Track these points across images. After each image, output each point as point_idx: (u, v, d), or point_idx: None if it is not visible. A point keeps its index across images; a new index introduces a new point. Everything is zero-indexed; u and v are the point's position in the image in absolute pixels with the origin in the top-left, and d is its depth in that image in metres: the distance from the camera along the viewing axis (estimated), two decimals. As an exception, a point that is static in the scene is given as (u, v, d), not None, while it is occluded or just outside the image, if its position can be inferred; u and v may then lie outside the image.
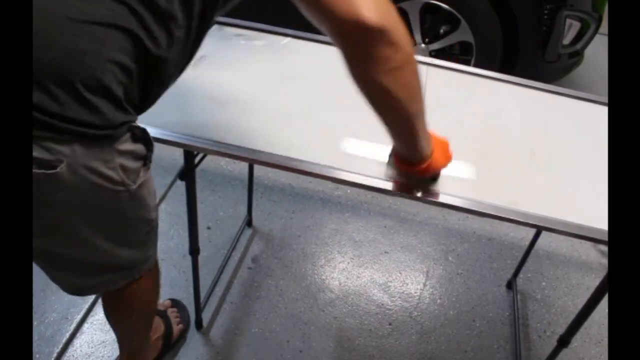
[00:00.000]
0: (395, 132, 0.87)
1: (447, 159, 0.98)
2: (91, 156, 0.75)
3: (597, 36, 2.44)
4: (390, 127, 0.85)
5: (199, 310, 1.51)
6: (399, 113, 0.81)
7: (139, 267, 1.03)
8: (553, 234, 0.97)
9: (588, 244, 1.98)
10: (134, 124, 0.82)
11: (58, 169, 0.72)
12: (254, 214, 1.93)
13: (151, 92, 0.84)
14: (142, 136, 0.85)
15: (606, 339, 1.67)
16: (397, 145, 0.93)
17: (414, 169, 0.94)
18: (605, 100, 1.32)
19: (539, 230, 1.57)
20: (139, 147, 0.85)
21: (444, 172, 1.03)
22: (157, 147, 2.13)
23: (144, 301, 1.15)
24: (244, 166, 2.11)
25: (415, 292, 1.75)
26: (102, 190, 0.80)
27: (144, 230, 0.97)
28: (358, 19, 0.68)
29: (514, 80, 1.35)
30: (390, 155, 1.00)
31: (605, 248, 1.97)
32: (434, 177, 0.99)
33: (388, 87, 0.75)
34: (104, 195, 0.81)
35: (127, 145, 0.81)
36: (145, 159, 0.87)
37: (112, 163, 0.79)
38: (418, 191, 0.96)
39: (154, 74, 0.81)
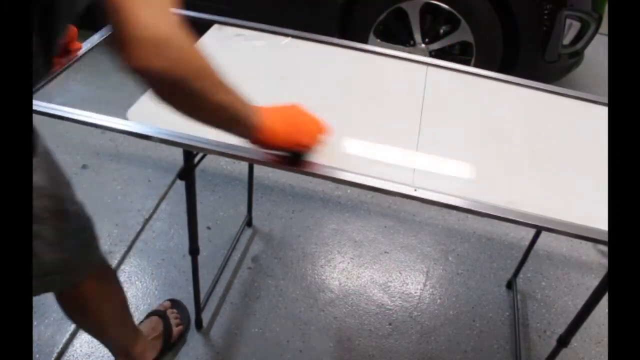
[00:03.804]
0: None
1: (298, 129, 0.92)
2: None
3: (597, 36, 2.44)
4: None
5: (199, 310, 1.51)
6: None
7: (74, 273, 1.00)
8: (553, 234, 0.97)
9: (588, 244, 1.98)
10: None
11: None
12: (254, 214, 1.93)
13: None
14: None
15: (606, 339, 1.67)
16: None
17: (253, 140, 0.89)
18: (605, 100, 1.32)
19: (539, 230, 1.57)
20: None
21: (444, 171, 1.03)
22: (157, 147, 2.11)
23: (93, 305, 1.12)
24: (244, 166, 2.11)
25: (415, 292, 1.75)
26: None
27: (59, 225, 0.91)
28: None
29: (514, 80, 1.35)
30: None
31: (605, 248, 1.97)
32: (298, 153, 0.97)
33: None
34: None
35: None
36: None
37: None
38: (417, 190, 0.96)
39: None
